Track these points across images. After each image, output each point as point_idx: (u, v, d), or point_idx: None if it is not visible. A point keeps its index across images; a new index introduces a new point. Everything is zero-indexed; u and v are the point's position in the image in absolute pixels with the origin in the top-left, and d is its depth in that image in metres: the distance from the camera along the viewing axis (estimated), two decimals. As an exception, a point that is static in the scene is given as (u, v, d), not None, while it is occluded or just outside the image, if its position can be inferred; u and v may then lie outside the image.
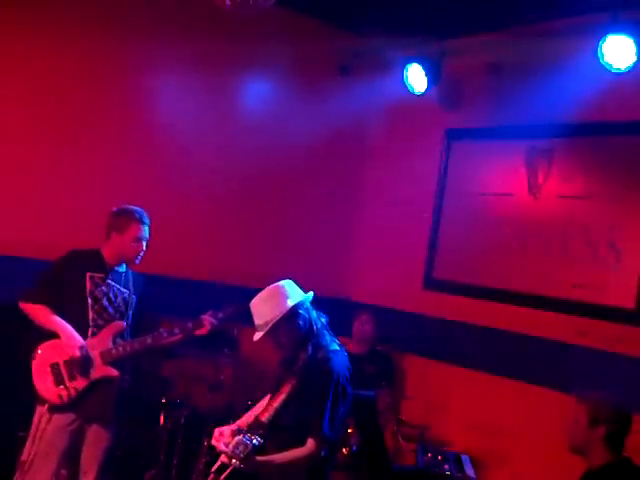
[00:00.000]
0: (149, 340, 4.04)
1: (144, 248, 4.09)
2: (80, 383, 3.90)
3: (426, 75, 5.60)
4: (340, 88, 5.97)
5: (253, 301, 3.44)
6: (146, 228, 4.08)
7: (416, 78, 5.68)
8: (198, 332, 4.15)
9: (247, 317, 3.47)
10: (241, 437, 3.10)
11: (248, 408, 3.85)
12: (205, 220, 5.67)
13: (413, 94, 5.76)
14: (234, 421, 3.60)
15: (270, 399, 3.48)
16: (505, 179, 5.57)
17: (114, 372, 3.98)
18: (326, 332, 3.51)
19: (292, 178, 6.05)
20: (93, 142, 5.19)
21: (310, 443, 3.27)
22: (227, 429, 3.47)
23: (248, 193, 5.86)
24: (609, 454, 3.22)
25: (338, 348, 3.49)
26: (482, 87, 5.64)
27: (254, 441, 3.06)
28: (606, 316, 4.79)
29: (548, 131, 5.29)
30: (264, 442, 3.16)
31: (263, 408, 3.46)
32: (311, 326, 3.44)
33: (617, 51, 4.56)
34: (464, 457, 4.94)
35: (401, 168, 6.30)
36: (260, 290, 3.47)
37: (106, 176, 5.20)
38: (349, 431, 4.78)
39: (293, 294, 3.43)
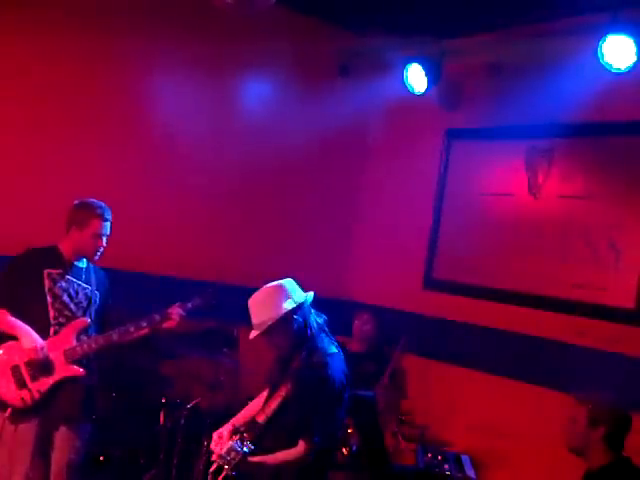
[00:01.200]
0: (115, 336, 3.91)
1: (104, 244, 3.96)
2: (43, 384, 3.79)
3: (426, 75, 5.60)
4: (340, 88, 5.96)
5: (251, 299, 3.43)
6: (107, 224, 3.94)
7: (416, 78, 5.67)
8: (167, 325, 4.02)
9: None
10: (233, 443, 3.15)
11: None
12: (205, 220, 5.67)
13: (413, 94, 5.75)
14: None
15: (267, 400, 3.48)
16: (505, 179, 5.57)
17: (79, 371, 3.85)
18: (324, 334, 3.49)
19: (292, 178, 6.06)
20: (93, 142, 5.19)
21: (300, 445, 3.28)
22: (225, 431, 3.47)
23: (248, 193, 5.86)
24: (608, 454, 3.22)
25: (336, 350, 3.47)
26: (482, 87, 5.64)
27: (245, 448, 3.10)
28: (606, 316, 4.79)
29: (548, 131, 5.29)
30: (262, 442, 3.17)
31: (260, 409, 3.46)
32: (306, 330, 3.41)
33: (617, 51, 4.56)
34: (464, 457, 4.94)
35: (401, 168, 6.30)
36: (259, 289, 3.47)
37: (106, 175, 5.20)
38: (349, 431, 4.78)
39: (292, 295, 3.40)
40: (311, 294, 3.50)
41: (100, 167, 5.20)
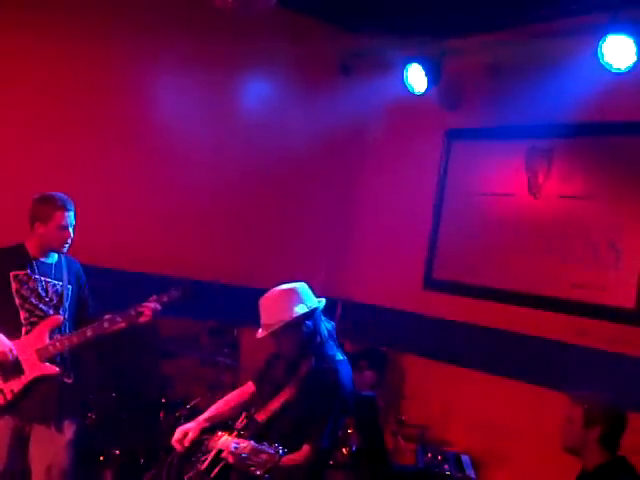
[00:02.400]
0: (89, 332, 3.83)
1: (71, 235, 3.88)
2: (16, 384, 3.72)
3: (426, 75, 5.60)
4: (340, 88, 5.97)
5: (264, 297, 3.43)
6: (71, 214, 3.86)
7: (416, 78, 5.67)
8: (142, 319, 3.92)
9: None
10: (256, 444, 2.98)
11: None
12: (204, 220, 5.67)
13: (413, 94, 5.76)
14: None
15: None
16: (505, 179, 5.57)
17: (53, 369, 3.78)
18: (332, 341, 3.50)
19: (292, 177, 6.06)
20: (93, 142, 5.19)
21: (306, 449, 3.27)
22: (194, 427, 3.45)
23: (248, 192, 5.87)
24: (604, 454, 3.21)
25: (342, 358, 3.48)
26: (482, 87, 5.64)
27: (280, 451, 2.91)
28: (606, 316, 4.79)
29: (548, 131, 5.29)
30: (258, 441, 3.15)
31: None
32: (315, 336, 3.42)
33: (617, 51, 4.56)
34: (464, 457, 4.94)
35: (401, 168, 6.30)
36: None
37: (106, 176, 5.21)
38: (349, 431, 4.79)
39: (304, 301, 3.40)
40: (323, 300, 3.50)
41: (100, 167, 5.21)
